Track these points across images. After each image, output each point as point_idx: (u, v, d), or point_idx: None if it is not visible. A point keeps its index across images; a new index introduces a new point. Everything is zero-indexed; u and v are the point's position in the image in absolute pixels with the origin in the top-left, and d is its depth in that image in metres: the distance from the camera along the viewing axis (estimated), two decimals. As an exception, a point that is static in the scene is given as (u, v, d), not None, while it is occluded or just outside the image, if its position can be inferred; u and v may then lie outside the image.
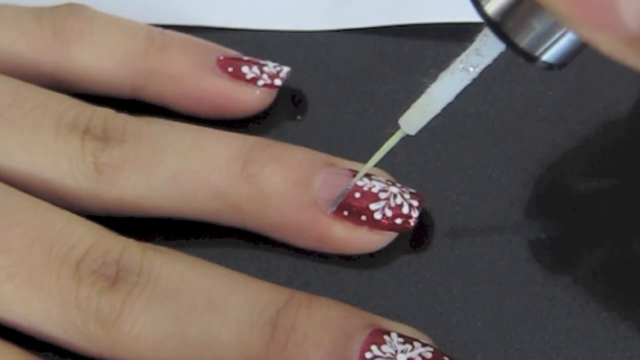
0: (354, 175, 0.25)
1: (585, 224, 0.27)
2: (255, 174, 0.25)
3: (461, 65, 0.22)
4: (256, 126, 0.29)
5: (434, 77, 0.22)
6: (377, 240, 0.25)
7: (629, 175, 0.28)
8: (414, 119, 0.23)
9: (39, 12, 0.28)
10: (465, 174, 0.28)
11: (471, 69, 0.22)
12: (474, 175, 0.28)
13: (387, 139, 0.24)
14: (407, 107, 0.23)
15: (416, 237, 0.26)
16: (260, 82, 0.28)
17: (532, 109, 0.29)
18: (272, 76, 0.28)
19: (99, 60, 0.28)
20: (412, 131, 0.23)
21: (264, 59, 0.29)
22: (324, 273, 0.26)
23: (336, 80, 0.30)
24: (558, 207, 0.27)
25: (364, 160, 0.25)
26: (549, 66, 0.20)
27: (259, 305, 0.23)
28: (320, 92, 0.30)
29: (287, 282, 0.25)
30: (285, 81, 0.28)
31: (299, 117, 0.29)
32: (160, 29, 0.29)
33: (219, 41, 0.29)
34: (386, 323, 0.23)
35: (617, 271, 0.26)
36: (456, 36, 0.30)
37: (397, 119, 0.23)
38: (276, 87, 0.28)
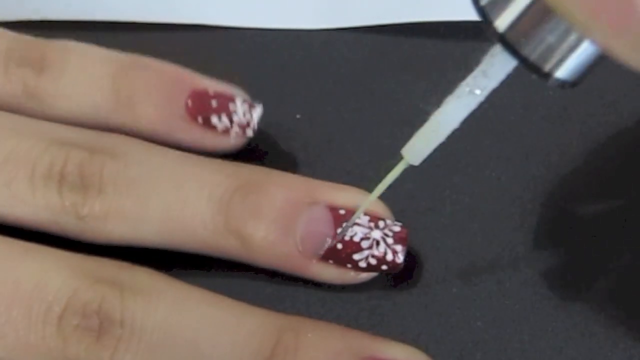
0: (337, 210, 0.25)
1: (585, 222, 0.27)
2: (237, 230, 0.25)
3: (467, 89, 0.20)
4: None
5: (435, 105, 0.21)
6: (367, 276, 0.25)
7: (629, 175, 0.28)
8: (419, 148, 0.22)
9: (6, 61, 0.27)
10: (464, 173, 0.28)
11: (478, 92, 0.20)
12: (474, 175, 0.28)
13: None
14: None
15: (415, 236, 0.26)
16: (232, 134, 0.27)
17: (532, 109, 0.29)
18: (243, 127, 0.27)
19: (70, 112, 0.27)
20: (416, 161, 0.22)
21: (264, 58, 0.29)
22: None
23: (335, 79, 0.30)
24: (558, 206, 0.27)
25: (364, 159, 0.24)
26: (562, 84, 0.19)
27: (246, 354, 0.23)
28: (319, 91, 0.30)
29: (284, 285, 0.25)
30: (258, 125, 0.27)
31: (298, 116, 0.29)
32: (125, 64, 0.28)
33: (219, 40, 0.29)
34: (376, 349, 0.23)
35: (617, 270, 0.26)
36: (455, 35, 0.30)
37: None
38: (249, 136, 0.27)
